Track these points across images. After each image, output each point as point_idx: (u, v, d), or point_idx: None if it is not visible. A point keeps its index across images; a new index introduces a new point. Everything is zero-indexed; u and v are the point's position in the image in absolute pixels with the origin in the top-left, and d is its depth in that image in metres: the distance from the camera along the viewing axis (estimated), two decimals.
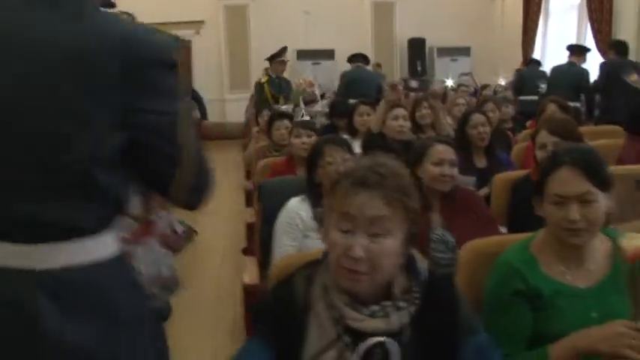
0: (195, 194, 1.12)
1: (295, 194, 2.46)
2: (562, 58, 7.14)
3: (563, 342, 1.43)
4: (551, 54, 9.74)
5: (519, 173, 2.68)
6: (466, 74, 9.49)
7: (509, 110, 4.84)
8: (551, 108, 3.68)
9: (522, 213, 2.47)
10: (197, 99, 6.70)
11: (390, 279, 1.19)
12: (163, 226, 1.71)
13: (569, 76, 6.38)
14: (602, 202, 1.48)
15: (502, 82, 8.08)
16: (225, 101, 12.14)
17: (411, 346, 1.16)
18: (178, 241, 1.77)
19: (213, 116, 11.31)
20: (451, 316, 1.20)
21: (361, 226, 1.14)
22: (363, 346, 1.14)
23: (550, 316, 1.50)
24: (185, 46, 12.14)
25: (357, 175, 1.18)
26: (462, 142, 3.38)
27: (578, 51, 6.73)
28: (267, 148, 4.26)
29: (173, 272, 1.67)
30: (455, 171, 2.39)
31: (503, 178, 2.69)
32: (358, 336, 1.15)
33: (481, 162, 3.34)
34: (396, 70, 11.56)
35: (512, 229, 2.53)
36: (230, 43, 12.31)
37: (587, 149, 1.61)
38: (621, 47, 6.31)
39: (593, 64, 6.90)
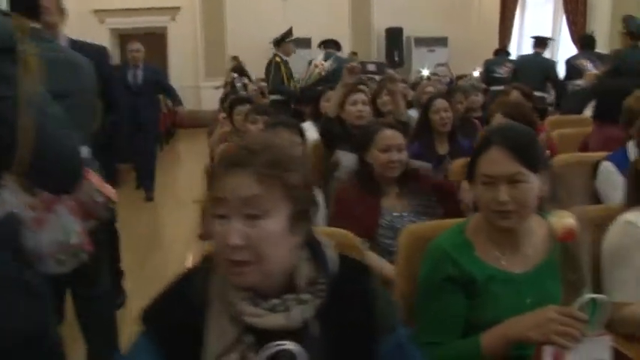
0: (45, 176, 1.20)
1: None
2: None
3: (494, 330, 1.36)
4: (527, 45, 9.73)
5: None
6: (442, 65, 9.47)
7: (479, 99, 4.78)
8: (514, 94, 3.63)
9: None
10: (166, 88, 6.55)
11: (291, 269, 1.07)
12: (83, 195, 1.76)
13: (535, 65, 6.42)
14: (534, 183, 1.41)
15: (476, 73, 8.06)
16: (201, 88, 11.99)
17: (320, 342, 1.05)
18: (97, 210, 1.85)
19: (188, 104, 11.13)
20: (365, 311, 1.08)
21: (235, 210, 1.01)
22: (266, 352, 1.01)
23: (484, 302, 1.43)
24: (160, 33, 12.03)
25: (228, 155, 1.06)
26: (424, 127, 3.32)
27: (541, 42, 6.80)
28: (228, 133, 4.16)
29: (81, 239, 1.71)
30: (403, 156, 2.32)
31: (460, 163, 2.62)
32: (262, 335, 1.03)
33: (443, 148, 3.27)
34: (373, 56, 11.47)
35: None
36: (206, 30, 12.14)
37: (520, 129, 1.52)
38: (586, 41, 6.32)
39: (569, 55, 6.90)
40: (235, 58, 10.95)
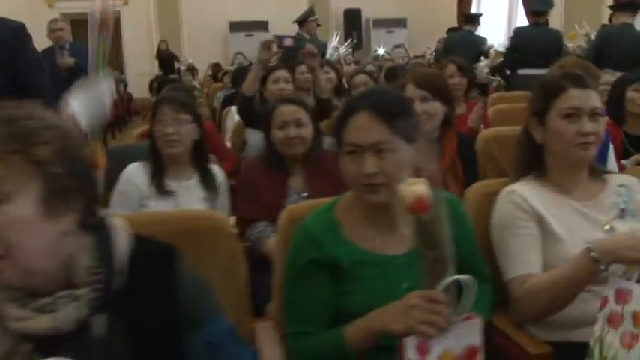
0: None
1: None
2: (494, 28, 7.15)
3: (359, 322, 1.22)
4: (485, 25, 9.67)
5: None
6: (398, 46, 9.36)
7: None
8: (451, 68, 3.49)
9: None
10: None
11: (68, 260, 0.90)
12: None
13: (465, 43, 6.41)
14: (406, 154, 1.26)
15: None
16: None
17: (110, 343, 0.90)
18: None
19: (143, 91, 10.86)
20: (166, 301, 0.93)
21: None
22: None
23: (353, 288, 1.28)
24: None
25: None
26: None
27: (471, 19, 6.97)
28: None
29: None
30: (304, 131, 2.17)
31: None
32: (42, 342, 0.87)
33: None
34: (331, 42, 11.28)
35: None
36: (160, 14, 11.82)
37: (391, 94, 1.36)
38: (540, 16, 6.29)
39: None
40: (163, 42, 10.73)
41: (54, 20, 5.20)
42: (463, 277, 1.12)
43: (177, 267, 0.97)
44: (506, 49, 4.60)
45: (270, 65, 3.17)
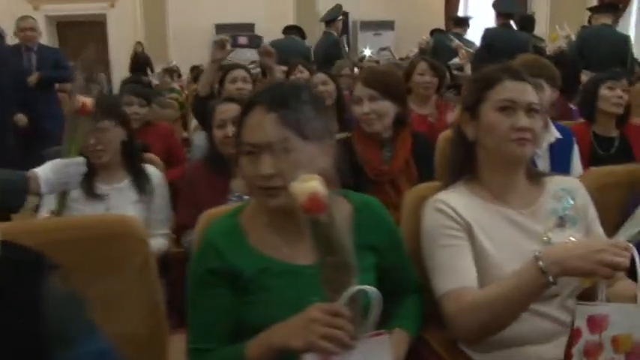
0: None
1: None
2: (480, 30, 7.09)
3: (260, 337, 1.11)
4: (472, 27, 9.60)
5: (342, 135, 2.35)
6: (384, 49, 9.27)
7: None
8: (422, 66, 3.39)
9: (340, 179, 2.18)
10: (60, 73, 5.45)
11: None
12: None
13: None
14: (308, 153, 1.14)
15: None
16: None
17: None
18: None
19: None
20: (32, 316, 0.84)
21: None
22: None
23: (257, 300, 1.17)
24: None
25: None
26: None
27: (460, 22, 7.01)
28: None
29: None
30: None
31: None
32: None
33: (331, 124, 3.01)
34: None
35: None
36: (146, 17, 11.69)
37: (292, 89, 1.21)
38: (525, 22, 6.20)
39: None
40: (139, 44, 10.63)
41: (24, 17, 4.85)
42: (367, 288, 1.01)
43: (44, 279, 0.87)
44: (477, 50, 4.53)
45: (229, 65, 3.07)
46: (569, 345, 1.13)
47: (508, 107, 1.34)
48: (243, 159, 1.17)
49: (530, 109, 1.34)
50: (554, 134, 2.50)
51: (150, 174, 2.09)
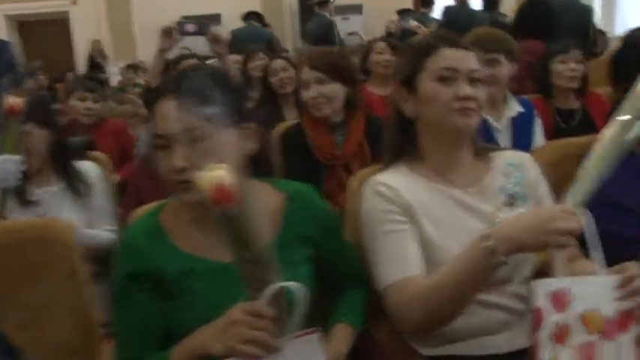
0: None
1: None
2: None
3: (184, 342, 1.03)
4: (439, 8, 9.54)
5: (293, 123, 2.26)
6: (352, 33, 9.14)
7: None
8: (380, 45, 3.30)
9: (292, 165, 2.10)
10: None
11: None
12: None
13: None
14: (223, 140, 1.06)
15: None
16: (110, 74, 11.31)
17: None
18: None
19: None
20: None
21: None
22: None
23: (183, 303, 1.08)
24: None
25: None
26: (267, 93, 2.99)
27: (425, 2, 6.92)
28: None
29: None
30: None
31: (278, 129, 2.28)
32: None
33: (291, 113, 2.93)
34: (287, 31, 11.08)
35: None
36: (110, 13, 11.43)
37: (199, 75, 1.10)
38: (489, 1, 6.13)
39: None
40: (97, 41, 10.44)
41: None
42: (291, 284, 0.92)
43: None
44: (436, 28, 4.48)
45: (181, 55, 2.95)
46: (534, 329, 1.02)
47: (448, 77, 1.23)
48: (159, 153, 1.07)
49: (472, 79, 1.24)
50: (516, 108, 2.44)
51: (86, 172, 1.98)
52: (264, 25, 7.75)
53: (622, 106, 1.11)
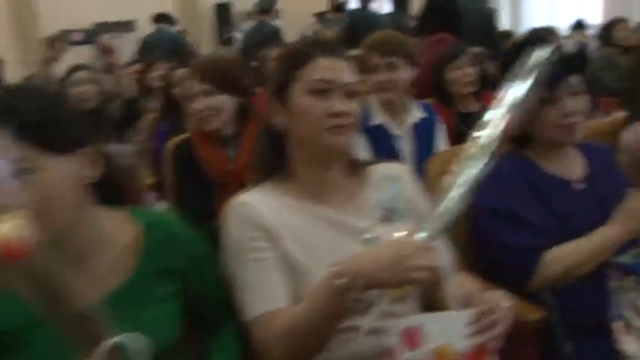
0: None
1: None
2: None
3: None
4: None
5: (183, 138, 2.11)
6: None
7: None
8: (276, 52, 3.23)
9: (183, 184, 1.97)
10: None
11: None
12: None
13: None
14: (60, 172, 0.93)
15: None
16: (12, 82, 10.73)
17: None
18: None
19: None
20: None
21: None
22: None
23: None
24: None
25: None
26: (169, 104, 2.84)
27: (338, 8, 7.04)
28: None
29: None
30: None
31: (169, 144, 2.12)
32: None
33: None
34: (203, 37, 10.86)
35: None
36: (12, 20, 10.84)
37: (23, 94, 0.97)
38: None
39: None
40: None
41: None
42: (125, 337, 0.81)
43: None
44: (339, 32, 4.50)
45: (71, 67, 2.76)
46: None
47: (322, 90, 1.14)
48: None
49: (348, 91, 1.16)
50: (417, 114, 2.40)
51: None
52: (174, 25, 7.46)
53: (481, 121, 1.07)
